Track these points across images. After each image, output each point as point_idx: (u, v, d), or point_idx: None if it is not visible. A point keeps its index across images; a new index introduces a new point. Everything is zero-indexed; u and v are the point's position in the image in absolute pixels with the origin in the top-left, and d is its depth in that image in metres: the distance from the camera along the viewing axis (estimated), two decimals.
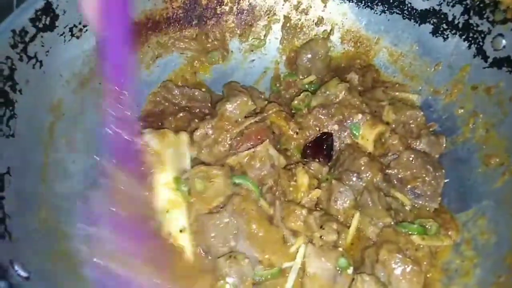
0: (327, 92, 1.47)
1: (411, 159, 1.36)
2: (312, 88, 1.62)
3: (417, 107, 1.53)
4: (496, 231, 1.23)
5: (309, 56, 1.65)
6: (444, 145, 1.45)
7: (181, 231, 1.24)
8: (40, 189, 1.23)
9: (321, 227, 1.22)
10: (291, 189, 1.32)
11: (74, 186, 1.34)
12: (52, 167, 1.30)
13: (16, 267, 0.92)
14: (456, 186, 1.35)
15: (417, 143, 1.43)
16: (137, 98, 1.36)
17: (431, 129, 1.49)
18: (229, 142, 1.39)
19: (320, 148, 1.41)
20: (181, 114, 1.52)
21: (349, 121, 1.42)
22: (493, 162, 1.33)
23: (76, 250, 1.18)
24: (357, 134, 1.41)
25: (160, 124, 1.51)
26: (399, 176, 1.36)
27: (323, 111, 1.45)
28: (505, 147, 1.32)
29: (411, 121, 1.47)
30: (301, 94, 1.53)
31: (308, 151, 1.42)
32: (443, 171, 1.38)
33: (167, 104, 1.59)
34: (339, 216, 1.29)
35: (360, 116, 1.41)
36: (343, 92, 1.45)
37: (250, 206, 1.24)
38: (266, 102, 1.53)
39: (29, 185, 1.19)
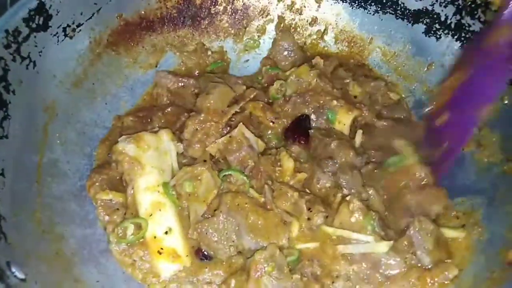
0: (299, 79, 1.53)
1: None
2: None
3: (379, 78, 1.65)
4: (489, 227, 1.25)
5: (286, 47, 1.69)
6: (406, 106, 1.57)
7: (166, 232, 1.22)
8: (34, 190, 1.22)
9: (309, 209, 1.25)
10: (277, 174, 1.36)
11: (69, 186, 1.33)
12: (47, 168, 1.29)
13: (13, 269, 0.91)
14: (449, 183, 1.36)
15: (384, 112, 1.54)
16: None
17: None
18: (221, 132, 1.40)
19: (298, 128, 1.46)
20: (169, 109, 1.52)
21: (326, 108, 1.48)
22: (486, 160, 1.34)
23: (72, 251, 1.18)
24: (333, 119, 1.47)
25: (149, 120, 1.51)
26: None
27: (299, 100, 1.50)
28: (497, 145, 1.34)
29: (375, 92, 1.57)
30: (276, 83, 1.56)
31: (288, 133, 1.47)
32: None
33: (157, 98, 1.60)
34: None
35: (335, 102, 1.47)
36: (315, 79, 1.51)
37: (243, 200, 1.25)
38: (244, 87, 1.54)
39: (23, 186, 1.19)
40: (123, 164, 1.29)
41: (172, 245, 1.22)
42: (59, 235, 1.19)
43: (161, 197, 1.26)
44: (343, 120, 1.46)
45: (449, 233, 1.27)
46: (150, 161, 1.30)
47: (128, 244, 1.24)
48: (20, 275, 0.93)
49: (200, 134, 1.39)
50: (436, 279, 1.16)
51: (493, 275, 1.13)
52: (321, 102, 1.49)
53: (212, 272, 1.23)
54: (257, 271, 1.14)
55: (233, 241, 1.22)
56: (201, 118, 1.39)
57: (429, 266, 1.19)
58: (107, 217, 1.29)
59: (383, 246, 1.19)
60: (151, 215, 1.24)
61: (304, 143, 1.43)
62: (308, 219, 1.25)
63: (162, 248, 1.22)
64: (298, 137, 1.44)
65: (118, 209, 1.31)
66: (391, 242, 1.19)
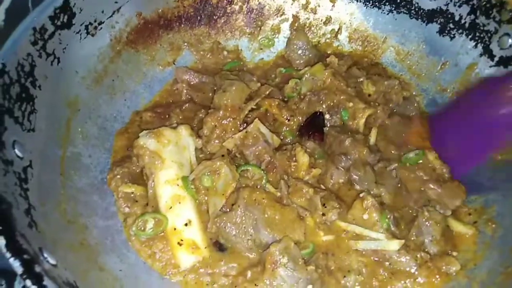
0: (314, 78, 1.56)
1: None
2: None
3: (392, 76, 1.66)
4: (502, 224, 1.27)
5: (300, 46, 1.72)
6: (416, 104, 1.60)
7: (186, 224, 1.26)
8: (59, 182, 1.26)
9: (323, 205, 1.28)
10: (292, 169, 1.38)
11: (91, 179, 1.37)
12: (70, 161, 1.33)
13: (45, 254, 0.95)
14: (464, 181, 1.38)
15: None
16: None
17: None
18: (238, 128, 1.43)
19: (312, 125, 1.49)
20: (186, 105, 1.56)
21: (340, 107, 1.51)
22: (500, 157, 1.36)
23: (96, 241, 1.22)
24: (346, 118, 1.50)
25: (167, 116, 1.54)
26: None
27: (314, 98, 1.53)
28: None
29: (389, 90, 1.58)
30: (291, 81, 1.59)
31: (303, 130, 1.49)
32: None
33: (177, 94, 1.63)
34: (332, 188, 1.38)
35: (351, 104, 1.49)
36: (330, 78, 1.54)
37: (260, 195, 1.27)
38: (259, 84, 1.57)
39: (49, 178, 1.22)
40: (144, 158, 1.32)
41: (191, 237, 1.26)
42: (83, 225, 1.23)
43: (181, 190, 1.30)
44: (358, 118, 1.49)
45: (457, 227, 1.29)
46: (170, 155, 1.33)
47: (148, 237, 1.28)
48: (52, 261, 0.96)
49: (219, 130, 1.42)
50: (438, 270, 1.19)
51: (508, 270, 1.14)
52: (335, 100, 1.51)
53: (228, 265, 1.25)
54: (272, 263, 1.17)
55: (250, 235, 1.25)
56: (220, 115, 1.42)
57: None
58: (127, 209, 1.32)
59: (395, 244, 1.21)
60: (171, 207, 1.27)
61: (318, 140, 1.46)
62: (323, 214, 1.28)
63: (182, 240, 1.25)
64: (312, 134, 1.46)
65: (137, 201, 1.34)
66: (403, 240, 1.22)
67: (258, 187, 1.34)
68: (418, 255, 1.22)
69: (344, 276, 1.21)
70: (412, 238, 1.26)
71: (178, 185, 1.30)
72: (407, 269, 1.21)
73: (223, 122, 1.42)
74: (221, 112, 1.43)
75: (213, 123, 1.42)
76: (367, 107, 1.49)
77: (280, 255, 1.17)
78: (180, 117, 1.54)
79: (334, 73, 1.55)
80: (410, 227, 1.27)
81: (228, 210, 1.29)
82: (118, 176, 1.35)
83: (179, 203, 1.27)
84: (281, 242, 1.20)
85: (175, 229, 1.26)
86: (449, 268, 1.21)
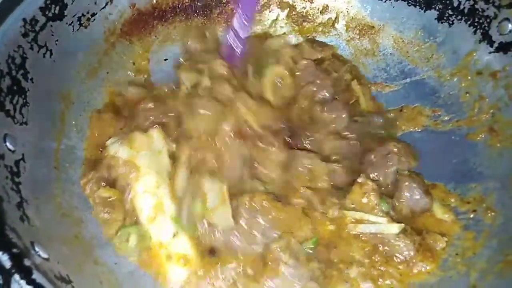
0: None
1: None
2: None
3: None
4: (502, 212, 1.25)
5: None
6: None
7: (174, 235, 1.17)
8: (53, 176, 1.25)
9: (322, 203, 1.26)
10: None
11: None
12: (64, 154, 1.32)
13: (37, 248, 0.94)
14: (463, 169, 1.37)
15: None
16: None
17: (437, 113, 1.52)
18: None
19: None
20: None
21: None
22: (499, 145, 1.34)
23: (90, 234, 1.21)
24: None
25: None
26: None
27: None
28: (510, 129, 1.34)
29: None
30: None
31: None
32: None
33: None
34: None
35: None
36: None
37: (259, 198, 1.21)
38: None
39: (43, 171, 1.21)
40: (117, 169, 1.23)
41: (181, 249, 1.17)
42: (78, 219, 1.22)
43: (163, 199, 1.19)
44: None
45: (438, 211, 1.30)
46: (145, 162, 1.22)
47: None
48: (44, 255, 0.95)
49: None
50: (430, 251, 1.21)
51: (507, 258, 1.13)
52: None
53: (225, 266, 1.18)
54: (273, 260, 1.15)
55: (260, 241, 1.20)
56: (194, 144, 1.28)
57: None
58: (106, 215, 1.22)
59: (395, 228, 1.20)
60: (154, 218, 1.18)
61: None
62: (323, 213, 1.26)
63: (170, 254, 1.16)
64: None
65: (116, 206, 1.23)
66: (402, 224, 1.21)
67: (256, 191, 1.26)
68: (416, 238, 1.21)
69: (347, 268, 1.20)
70: (396, 204, 1.27)
71: (158, 194, 1.19)
72: (405, 252, 1.21)
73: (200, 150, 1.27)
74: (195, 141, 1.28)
75: (187, 152, 1.28)
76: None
77: (282, 252, 1.15)
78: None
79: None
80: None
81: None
82: (93, 180, 1.25)
83: (162, 213, 1.17)
84: (281, 239, 1.17)
85: (161, 243, 1.17)
86: (437, 245, 1.22)
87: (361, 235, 1.24)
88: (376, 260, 1.22)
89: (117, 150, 1.24)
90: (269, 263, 1.15)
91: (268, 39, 1.67)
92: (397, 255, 1.21)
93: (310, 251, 1.21)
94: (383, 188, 1.33)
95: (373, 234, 1.22)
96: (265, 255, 1.17)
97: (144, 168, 1.22)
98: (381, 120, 1.52)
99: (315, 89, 1.48)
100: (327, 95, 1.50)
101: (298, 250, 1.18)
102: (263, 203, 1.22)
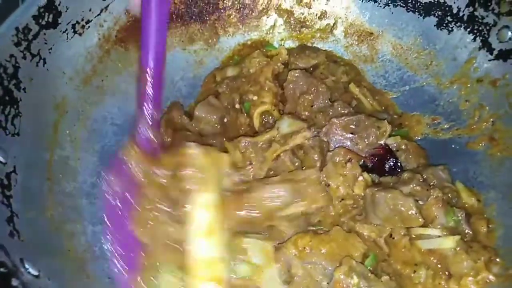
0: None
1: None
2: None
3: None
4: (503, 222, 1.23)
5: None
6: None
7: (213, 262, 1.11)
8: (46, 187, 1.23)
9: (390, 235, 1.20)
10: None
11: (80, 184, 1.34)
12: (58, 165, 1.29)
13: (27, 265, 0.92)
14: (462, 178, 1.34)
15: None
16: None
17: (436, 121, 1.50)
18: None
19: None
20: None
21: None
22: (499, 154, 1.33)
23: (84, 248, 1.19)
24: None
25: None
26: None
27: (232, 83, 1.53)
28: (511, 139, 1.32)
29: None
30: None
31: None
32: None
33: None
34: None
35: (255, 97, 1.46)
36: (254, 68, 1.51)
37: (304, 241, 1.15)
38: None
39: (35, 183, 1.19)
40: (186, 168, 1.15)
41: (219, 273, 1.11)
42: (70, 232, 1.20)
43: (217, 223, 1.13)
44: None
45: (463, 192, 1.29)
46: (213, 178, 1.18)
47: None
48: (34, 272, 0.93)
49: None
50: None
51: (508, 272, 1.11)
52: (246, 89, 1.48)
53: None
54: None
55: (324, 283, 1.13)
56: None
57: None
58: None
59: (449, 242, 1.14)
60: (203, 236, 1.12)
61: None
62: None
63: (206, 272, 1.10)
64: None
65: None
66: (458, 236, 1.14)
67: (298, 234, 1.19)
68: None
69: (414, 272, 1.15)
70: None
71: (212, 214, 1.14)
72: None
73: None
74: None
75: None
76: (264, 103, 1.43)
77: (348, 278, 1.07)
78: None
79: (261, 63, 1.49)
80: None
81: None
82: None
83: (213, 236, 1.11)
84: (341, 265, 1.10)
85: (203, 259, 1.11)
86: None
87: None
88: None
89: (195, 151, 1.18)
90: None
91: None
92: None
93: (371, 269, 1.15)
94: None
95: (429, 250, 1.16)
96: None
97: (210, 184, 1.17)
98: (386, 117, 1.46)
99: (310, 98, 1.45)
100: (326, 101, 1.46)
101: (362, 269, 1.10)
102: (310, 244, 1.14)
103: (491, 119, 1.39)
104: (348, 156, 1.27)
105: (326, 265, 1.13)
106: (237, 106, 1.49)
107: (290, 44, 1.75)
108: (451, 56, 1.52)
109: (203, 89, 1.68)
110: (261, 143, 1.30)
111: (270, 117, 1.47)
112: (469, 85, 1.47)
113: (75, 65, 1.42)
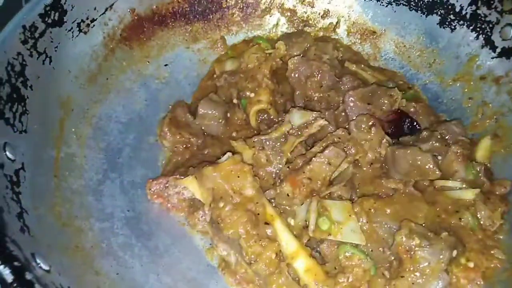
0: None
1: None
2: None
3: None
4: (508, 218, 1.24)
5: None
6: None
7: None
8: (53, 184, 1.23)
9: None
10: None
11: (86, 181, 1.34)
12: (64, 163, 1.30)
13: (38, 260, 0.92)
14: None
15: None
16: None
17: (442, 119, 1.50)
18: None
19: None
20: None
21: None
22: (503, 151, 1.34)
23: (91, 244, 1.19)
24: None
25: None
26: None
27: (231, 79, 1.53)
28: None
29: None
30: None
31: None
32: None
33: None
34: None
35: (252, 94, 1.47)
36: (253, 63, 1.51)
37: (369, 203, 1.20)
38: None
39: (42, 180, 1.20)
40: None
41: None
42: (78, 228, 1.20)
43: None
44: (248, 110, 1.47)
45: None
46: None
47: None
48: (45, 267, 0.94)
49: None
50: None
51: None
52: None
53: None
54: (405, 251, 1.10)
55: (388, 243, 1.16)
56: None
57: None
58: None
59: (469, 194, 1.20)
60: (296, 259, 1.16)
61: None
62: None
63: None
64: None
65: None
66: (478, 189, 1.20)
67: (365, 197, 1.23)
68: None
69: (460, 219, 1.18)
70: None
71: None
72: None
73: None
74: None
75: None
76: (260, 102, 1.43)
77: (410, 240, 1.10)
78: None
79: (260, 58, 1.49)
80: None
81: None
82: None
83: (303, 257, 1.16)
84: (402, 228, 1.13)
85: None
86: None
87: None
88: None
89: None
90: (404, 256, 1.10)
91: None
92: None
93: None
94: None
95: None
96: (396, 251, 1.13)
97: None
98: (391, 84, 1.49)
99: (317, 79, 1.46)
100: (333, 78, 1.47)
101: (422, 230, 1.12)
102: (374, 205, 1.19)
103: (495, 116, 1.40)
104: (371, 121, 1.30)
105: (392, 224, 1.17)
106: (234, 101, 1.50)
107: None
108: (454, 54, 1.54)
109: (200, 84, 1.66)
110: (274, 138, 1.31)
111: (265, 115, 1.48)
112: (472, 83, 1.48)
113: (81, 64, 1.43)
